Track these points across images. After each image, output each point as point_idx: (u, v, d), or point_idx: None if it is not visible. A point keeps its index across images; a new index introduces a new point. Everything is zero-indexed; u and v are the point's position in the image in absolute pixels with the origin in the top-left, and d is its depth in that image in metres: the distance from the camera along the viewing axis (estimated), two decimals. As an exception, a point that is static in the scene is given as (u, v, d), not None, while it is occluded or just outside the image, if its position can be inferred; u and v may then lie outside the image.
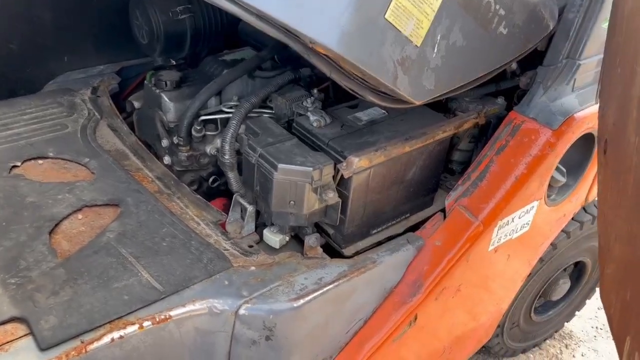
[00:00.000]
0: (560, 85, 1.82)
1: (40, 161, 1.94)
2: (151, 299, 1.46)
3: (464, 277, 1.80)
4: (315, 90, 1.78)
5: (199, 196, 1.84)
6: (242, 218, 1.74)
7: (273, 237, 1.65)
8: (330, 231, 1.72)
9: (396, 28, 1.25)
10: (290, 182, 1.52)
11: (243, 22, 2.30)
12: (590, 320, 2.97)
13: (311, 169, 1.50)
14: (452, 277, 1.76)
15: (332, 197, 1.54)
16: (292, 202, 1.55)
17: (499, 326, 2.44)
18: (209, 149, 1.94)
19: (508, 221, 1.80)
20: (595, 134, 1.91)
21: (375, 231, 1.79)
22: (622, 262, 1.10)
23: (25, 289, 1.44)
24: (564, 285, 2.58)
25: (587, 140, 1.93)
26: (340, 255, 1.73)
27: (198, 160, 1.97)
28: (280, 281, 1.55)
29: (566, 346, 2.86)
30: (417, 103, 1.41)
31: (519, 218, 1.85)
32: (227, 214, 1.76)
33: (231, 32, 2.47)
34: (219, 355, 1.54)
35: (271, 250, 1.67)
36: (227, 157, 1.70)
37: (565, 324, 2.92)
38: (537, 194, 1.86)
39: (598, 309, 3.04)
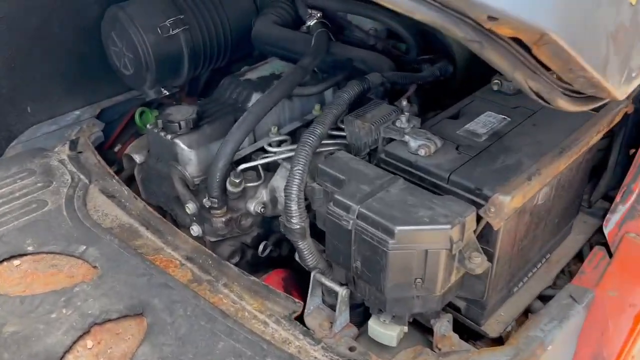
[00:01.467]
0: None
1: (16, 262, 1.36)
2: None
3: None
4: (404, 103, 1.21)
5: (253, 278, 1.27)
6: (328, 304, 1.18)
7: (387, 332, 1.10)
8: (461, 304, 1.17)
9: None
10: (415, 253, 0.96)
11: (258, 26, 1.74)
12: None
13: (449, 226, 0.95)
14: (642, 338, 1.21)
15: (478, 262, 0.98)
16: (418, 281, 0.99)
17: None
18: (253, 206, 1.38)
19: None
20: None
21: (517, 288, 1.24)
22: None
23: None
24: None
25: None
26: (481, 337, 1.18)
27: (239, 224, 1.40)
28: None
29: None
30: (620, 98, 0.86)
31: None
32: (297, 295, 1.21)
33: (239, 43, 1.91)
34: None
35: (384, 349, 1.12)
36: (295, 220, 1.13)
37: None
38: None
39: None
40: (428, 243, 0.96)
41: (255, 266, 1.52)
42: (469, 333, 1.20)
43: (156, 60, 1.73)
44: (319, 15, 1.65)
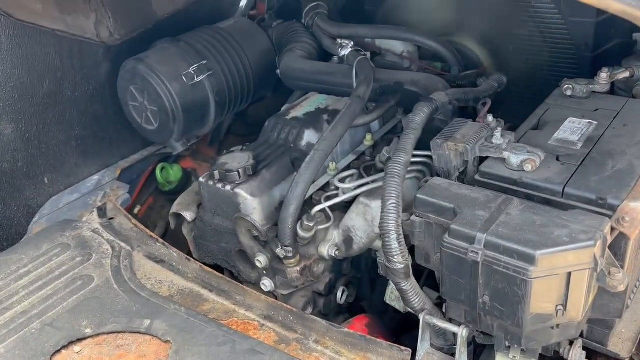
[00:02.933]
0: None
1: (76, 348, 1.22)
2: None
3: None
4: (491, 119, 1.14)
5: (345, 329, 1.16)
6: (436, 347, 1.08)
7: (520, 369, 0.99)
8: (584, 326, 1.08)
9: None
10: (558, 277, 0.87)
11: (287, 62, 1.66)
12: None
13: (592, 242, 0.86)
14: None
15: (620, 278, 0.90)
16: (560, 308, 0.90)
17: None
18: (327, 249, 1.27)
19: None
20: None
21: (630, 300, 1.16)
22: None
23: None
24: None
25: None
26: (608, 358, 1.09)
27: (312, 272, 1.29)
28: None
29: None
30: None
31: None
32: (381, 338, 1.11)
33: (260, 83, 1.82)
34: None
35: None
36: (398, 259, 1.03)
37: None
38: None
39: None
40: (572, 265, 0.87)
41: (327, 316, 1.41)
42: (588, 356, 1.11)
43: (184, 110, 1.64)
44: (351, 44, 1.58)
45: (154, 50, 1.69)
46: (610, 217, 0.93)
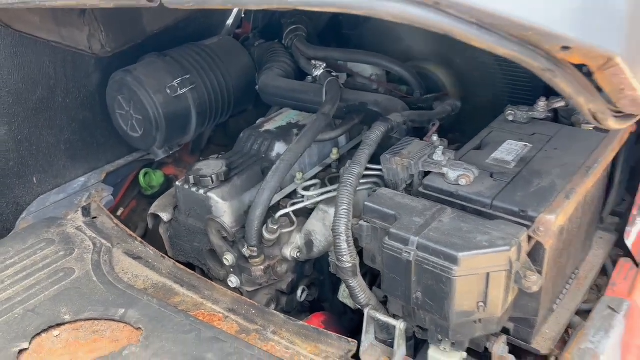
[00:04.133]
0: None
1: (55, 332, 1.34)
2: None
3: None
4: (435, 137, 1.28)
5: (300, 322, 1.29)
6: (380, 340, 1.21)
7: None
8: (509, 325, 1.21)
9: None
10: (478, 277, 1.01)
11: (265, 79, 1.80)
12: None
13: (508, 248, 1.00)
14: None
15: (534, 280, 1.03)
16: (481, 304, 1.03)
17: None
18: (289, 251, 1.40)
19: None
20: None
21: (556, 305, 1.29)
22: None
23: None
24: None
25: None
26: (534, 356, 1.22)
27: (275, 271, 1.41)
28: None
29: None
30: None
31: None
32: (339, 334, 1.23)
33: (241, 98, 1.96)
34: None
35: (444, 378, 1.14)
36: (346, 259, 1.16)
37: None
38: None
39: None
40: (489, 266, 1.01)
41: (289, 313, 1.53)
42: (516, 353, 1.24)
43: (166, 120, 1.77)
44: (324, 65, 1.73)
45: (142, 64, 1.82)
46: (528, 227, 1.07)
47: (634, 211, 1.39)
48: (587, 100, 0.81)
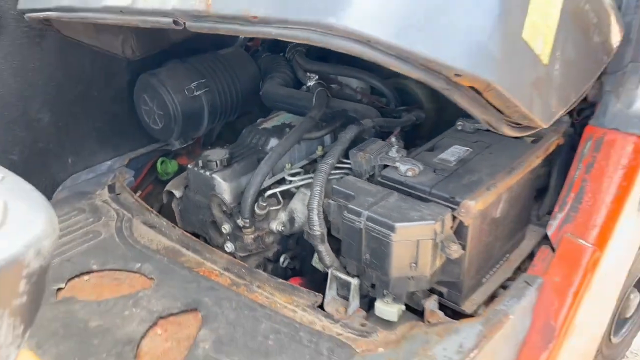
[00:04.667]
0: (631, 90, 1.73)
1: (85, 277, 1.68)
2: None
3: (593, 309, 1.64)
4: (393, 139, 1.62)
5: (280, 280, 1.62)
6: (341, 295, 1.53)
7: (389, 309, 1.44)
8: (443, 290, 1.53)
9: (530, 48, 1.12)
10: (410, 243, 1.34)
11: (267, 87, 2.14)
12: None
13: (433, 222, 1.33)
14: (581, 312, 1.59)
15: (455, 249, 1.36)
16: (413, 265, 1.36)
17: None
18: (275, 225, 1.74)
19: (620, 238, 1.67)
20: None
21: (485, 279, 1.62)
22: None
23: None
24: (635, 299, 2.46)
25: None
26: (461, 315, 1.54)
27: (263, 241, 1.75)
28: (418, 358, 1.34)
29: (642, 363, 2.71)
30: (545, 126, 1.27)
31: (626, 233, 1.72)
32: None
33: (247, 101, 2.31)
34: None
35: (387, 324, 1.46)
36: (316, 228, 1.50)
37: (633, 339, 2.78)
38: (636, 206, 1.73)
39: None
40: (419, 235, 1.34)
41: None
42: (455, 315, 1.56)
43: (183, 116, 2.11)
44: (316, 77, 2.07)
45: (165, 68, 2.17)
46: (454, 209, 1.40)
47: (556, 209, 1.71)
48: (480, 112, 1.14)
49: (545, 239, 1.79)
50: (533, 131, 1.32)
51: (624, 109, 1.72)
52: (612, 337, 2.47)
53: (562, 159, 1.85)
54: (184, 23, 1.22)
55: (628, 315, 2.52)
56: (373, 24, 0.99)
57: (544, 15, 1.14)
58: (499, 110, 1.17)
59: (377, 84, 2.05)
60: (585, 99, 1.80)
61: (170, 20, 1.23)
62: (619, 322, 2.55)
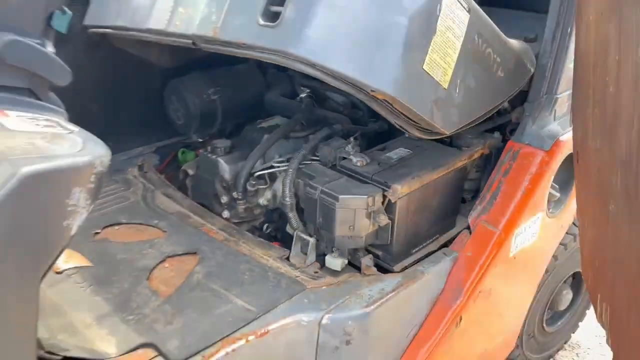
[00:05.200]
0: (545, 116, 2.24)
1: (116, 227, 2.22)
2: (250, 318, 1.74)
3: (494, 280, 2.13)
4: (352, 139, 2.15)
5: (261, 239, 2.15)
6: (304, 251, 2.05)
7: (335, 261, 1.96)
8: (379, 253, 2.05)
9: (431, 75, 1.64)
10: (349, 210, 1.86)
11: (269, 96, 2.70)
12: (594, 329, 3.29)
13: (366, 197, 1.85)
14: (485, 281, 2.08)
15: (383, 219, 1.88)
16: (351, 227, 1.88)
17: (518, 337, 2.74)
18: (262, 201, 2.27)
19: (522, 230, 2.16)
20: (578, 153, 2.33)
21: (415, 250, 2.12)
22: (592, 241, 1.49)
23: (143, 322, 1.71)
24: (568, 295, 2.92)
25: (572, 161, 2.33)
26: (390, 272, 2.05)
27: (252, 212, 2.29)
28: (349, 295, 1.86)
29: (577, 355, 3.16)
30: (448, 133, 1.79)
31: (530, 227, 2.21)
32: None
33: (255, 105, 2.87)
34: (308, 364, 1.81)
35: (334, 273, 1.98)
36: (288, 198, 2.03)
37: (572, 334, 3.23)
38: (541, 207, 2.23)
39: (598, 319, 3.36)
40: (356, 205, 1.86)
41: (260, 244, 2.39)
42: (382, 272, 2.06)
43: (200, 115, 2.67)
44: (308, 91, 2.62)
45: (190, 76, 2.72)
46: (386, 190, 1.92)
47: (477, 202, 2.21)
48: (393, 118, 1.66)
49: (468, 227, 2.30)
50: (439, 136, 1.84)
51: (537, 129, 2.23)
52: (545, 325, 2.94)
53: (491, 167, 2.35)
54: (200, 45, 1.78)
55: (561, 309, 2.97)
56: (316, 54, 1.53)
57: (444, 54, 1.67)
58: (409, 118, 1.70)
59: (356, 101, 2.58)
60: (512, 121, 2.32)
61: (190, 41, 1.79)
62: (555, 314, 3.01)
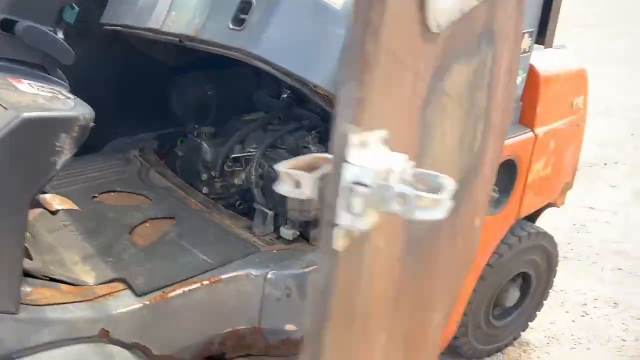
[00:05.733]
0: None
1: (111, 194, 2.63)
2: (207, 268, 2.11)
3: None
4: (313, 132, 2.53)
5: (231, 212, 2.53)
6: (264, 222, 2.42)
7: (287, 232, 2.33)
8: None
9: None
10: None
11: (257, 95, 3.10)
12: (543, 331, 3.58)
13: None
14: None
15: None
16: (302, 203, 2.24)
17: (463, 325, 3.04)
18: (236, 181, 2.66)
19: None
20: (516, 160, 2.67)
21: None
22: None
23: (120, 264, 2.10)
24: (515, 293, 3.22)
25: (510, 166, 2.67)
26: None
27: (228, 190, 2.67)
28: (294, 258, 2.22)
29: (524, 351, 3.45)
30: (383, 128, 2.15)
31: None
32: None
33: (245, 102, 3.26)
34: (253, 311, 2.17)
35: (287, 242, 2.34)
36: (253, 177, 2.41)
37: (522, 333, 3.52)
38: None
39: (550, 323, 3.66)
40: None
41: (235, 220, 2.77)
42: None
43: (198, 107, 3.07)
44: (289, 92, 3.00)
45: (191, 74, 3.13)
46: (333, 174, 2.28)
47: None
48: (332, 110, 2.03)
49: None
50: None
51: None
52: (492, 319, 3.24)
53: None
54: (185, 42, 2.18)
55: (508, 305, 3.27)
56: (271, 53, 1.92)
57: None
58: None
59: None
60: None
61: (177, 39, 2.20)
62: (504, 309, 3.31)
